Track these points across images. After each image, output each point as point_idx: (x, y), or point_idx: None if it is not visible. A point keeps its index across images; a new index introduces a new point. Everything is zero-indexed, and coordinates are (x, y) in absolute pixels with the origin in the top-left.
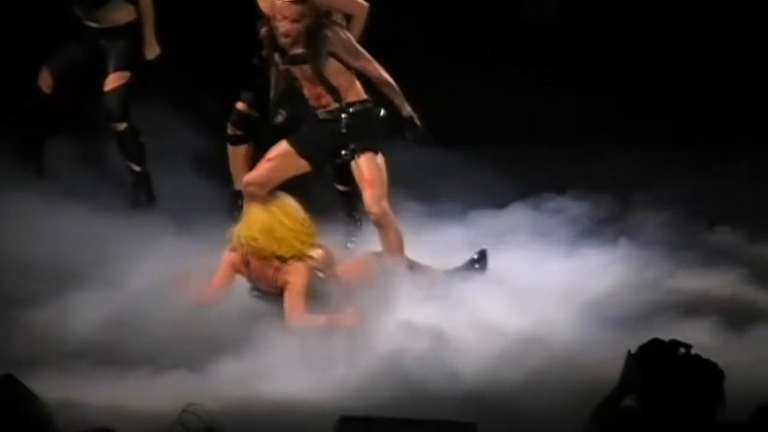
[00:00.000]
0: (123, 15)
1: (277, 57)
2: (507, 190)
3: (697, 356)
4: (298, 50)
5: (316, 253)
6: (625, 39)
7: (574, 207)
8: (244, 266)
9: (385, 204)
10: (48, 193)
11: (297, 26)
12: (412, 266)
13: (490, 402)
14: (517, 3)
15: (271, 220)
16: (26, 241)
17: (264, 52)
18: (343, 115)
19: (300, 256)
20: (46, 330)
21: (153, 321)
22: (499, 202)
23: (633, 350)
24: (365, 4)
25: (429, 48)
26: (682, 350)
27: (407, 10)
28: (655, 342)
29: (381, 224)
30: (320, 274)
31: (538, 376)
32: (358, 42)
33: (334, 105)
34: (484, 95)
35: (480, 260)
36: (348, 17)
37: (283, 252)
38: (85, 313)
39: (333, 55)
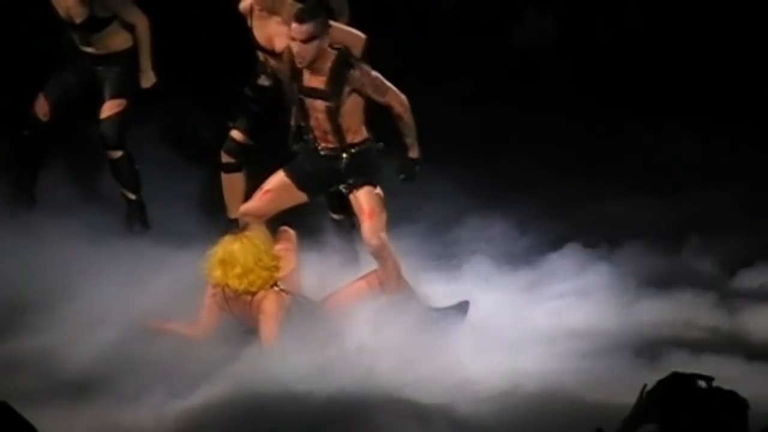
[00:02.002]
0: (120, 42)
1: (294, 86)
2: (486, 219)
3: (718, 388)
4: (318, 84)
5: (282, 279)
6: (616, 63)
7: (561, 238)
8: (225, 304)
9: (383, 236)
10: (42, 221)
11: (309, 47)
12: (410, 296)
13: None
14: (511, 26)
15: (229, 252)
16: (18, 269)
17: (279, 77)
18: (344, 155)
19: (269, 286)
20: (40, 359)
21: (147, 351)
22: (479, 233)
23: (649, 384)
24: (362, 35)
25: (419, 72)
26: (703, 383)
27: (399, 34)
28: (675, 376)
29: (379, 256)
30: (301, 300)
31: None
32: None
33: (337, 143)
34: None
35: (461, 310)
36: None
37: (245, 286)
38: (78, 343)
39: (358, 92)
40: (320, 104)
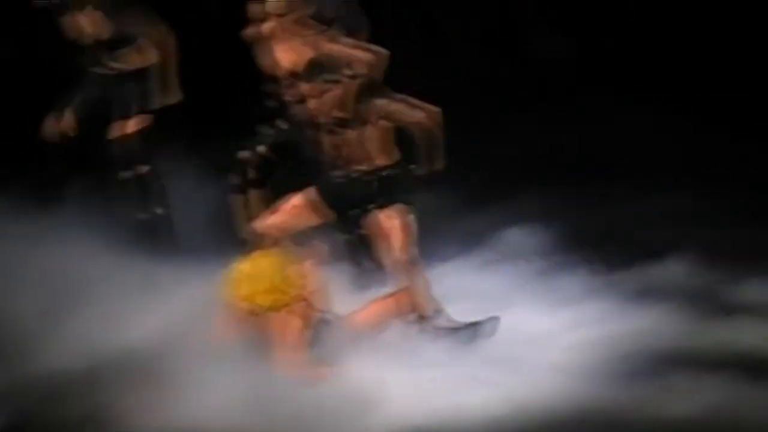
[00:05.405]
0: (145, 58)
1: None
2: (502, 234)
3: None
4: (343, 115)
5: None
6: (632, 73)
7: (579, 254)
8: (249, 320)
9: (414, 252)
10: (67, 237)
11: (324, 99)
12: (438, 311)
13: None
14: (524, 40)
15: (256, 269)
16: (35, 283)
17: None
18: (375, 178)
19: (295, 303)
20: (53, 376)
21: (167, 367)
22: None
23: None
24: (384, 51)
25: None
26: None
27: (412, 45)
28: None
29: (408, 272)
30: (328, 317)
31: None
32: None
33: (368, 167)
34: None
35: (490, 325)
36: None
37: (271, 303)
38: (95, 357)
39: (385, 117)
40: (348, 133)
